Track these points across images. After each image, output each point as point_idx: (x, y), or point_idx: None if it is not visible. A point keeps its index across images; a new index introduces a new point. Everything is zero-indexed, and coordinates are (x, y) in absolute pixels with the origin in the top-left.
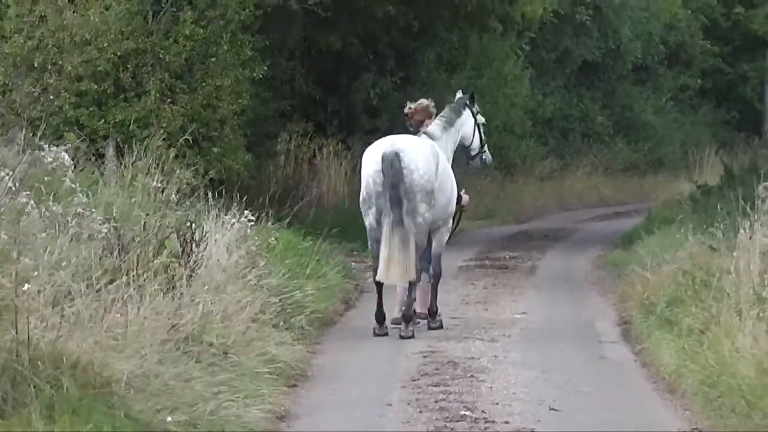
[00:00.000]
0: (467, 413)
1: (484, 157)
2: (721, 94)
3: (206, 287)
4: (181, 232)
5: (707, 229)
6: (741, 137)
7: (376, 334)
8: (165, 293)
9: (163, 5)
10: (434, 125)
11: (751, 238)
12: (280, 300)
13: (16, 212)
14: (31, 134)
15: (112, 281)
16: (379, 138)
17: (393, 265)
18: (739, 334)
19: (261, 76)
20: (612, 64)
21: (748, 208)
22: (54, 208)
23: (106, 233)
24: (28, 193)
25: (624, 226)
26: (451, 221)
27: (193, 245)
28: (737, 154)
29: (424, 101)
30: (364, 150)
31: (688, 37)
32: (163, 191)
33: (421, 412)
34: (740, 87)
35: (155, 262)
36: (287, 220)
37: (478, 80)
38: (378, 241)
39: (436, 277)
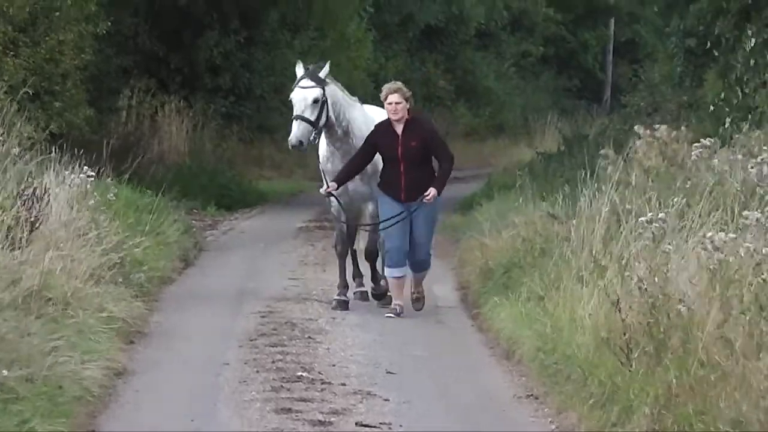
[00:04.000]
0: (304, 374)
1: None
2: (563, 61)
3: (47, 243)
4: (22, 187)
5: (547, 196)
6: (582, 105)
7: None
8: (6, 248)
9: None
10: None
11: (591, 205)
12: (119, 257)
13: None
14: None
15: None
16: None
17: None
18: (578, 302)
19: (105, 31)
20: (455, 29)
21: (587, 176)
22: None
23: None
24: None
25: (463, 191)
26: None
27: (35, 201)
28: (577, 122)
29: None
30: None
31: (531, 4)
32: (3, 144)
33: (258, 372)
34: (582, 55)
35: None
36: (127, 176)
37: (321, 42)
38: None
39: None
